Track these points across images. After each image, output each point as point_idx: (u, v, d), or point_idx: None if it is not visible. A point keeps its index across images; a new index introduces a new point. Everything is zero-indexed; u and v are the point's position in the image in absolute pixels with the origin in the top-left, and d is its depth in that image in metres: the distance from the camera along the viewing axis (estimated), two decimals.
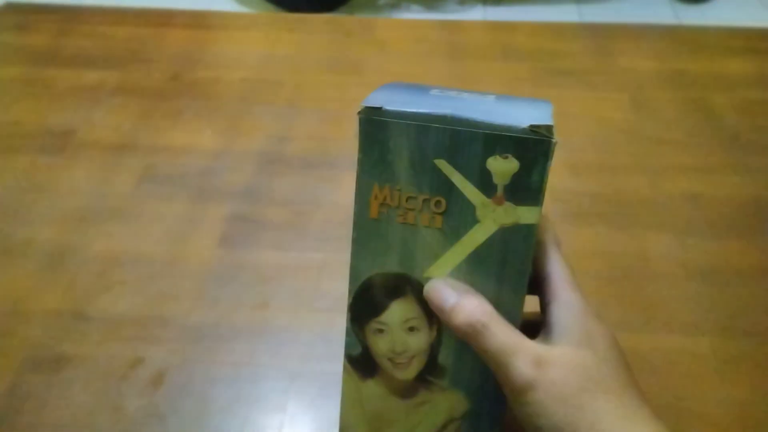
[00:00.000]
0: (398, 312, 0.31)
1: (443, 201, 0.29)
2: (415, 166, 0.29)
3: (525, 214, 0.29)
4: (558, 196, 0.64)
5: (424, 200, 0.29)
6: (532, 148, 0.27)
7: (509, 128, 0.27)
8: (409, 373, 0.32)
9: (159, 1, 1.22)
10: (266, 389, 0.50)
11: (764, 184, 0.66)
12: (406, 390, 0.33)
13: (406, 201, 0.29)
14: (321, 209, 0.64)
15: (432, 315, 0.31)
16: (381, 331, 0.32)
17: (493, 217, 0.29)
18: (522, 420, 0.28)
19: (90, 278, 0.57)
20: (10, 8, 0.95)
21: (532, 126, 0.27)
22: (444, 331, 0.31)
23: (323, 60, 0.84)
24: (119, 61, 0.83)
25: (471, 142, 0.28)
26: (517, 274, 0.30)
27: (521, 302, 0.30)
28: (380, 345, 0.32)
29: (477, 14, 2.13)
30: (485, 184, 0.28)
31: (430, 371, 0.32)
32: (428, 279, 0.30)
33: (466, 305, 0.29)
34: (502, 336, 0.28)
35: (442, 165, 0.29)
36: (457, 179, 0.29)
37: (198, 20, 0.91)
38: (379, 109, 0.28)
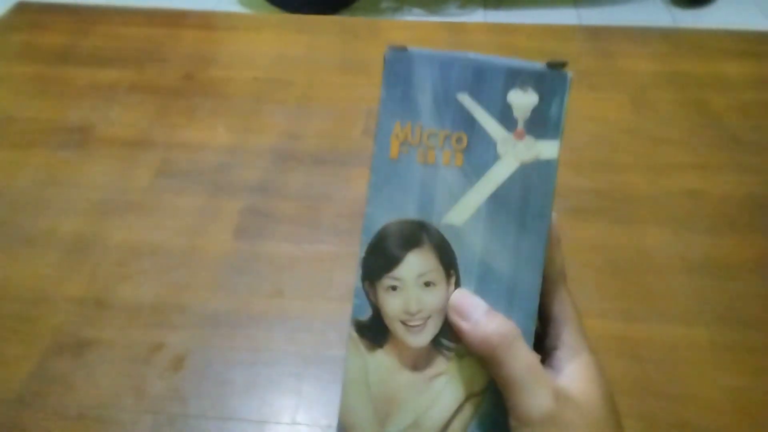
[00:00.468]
0: (414, 264, 0.30)
1: (464, 137, 0.30)
2: (438, 101, 0.30)
3: (545, 149, 0.30)
4: (561, 192, 0.66)
5: (446, 137, 0.30)
6: (551, 81, 0.30)
7: (529, 65, 0.30)
8: (424, 337, 0.30)
9: (166, 1, 1.25)
10: (282, 373, 0.52)
11: (760, 182, 0.68)
12: (418, 360, 0.31)
13: (428, 138, 0.30)
14: (332, 203, 0.66)
15: (450, 268, 0.30)
16: (394, 288, 0.30)
17: (514, 153, 0.30)
18: None
19: (111, 268, 0.59)
20: (22, 8, 0.97)
21: (549, 62, 0.30)
22: (463, 286, 0.31)
23: (333, 60, 0.86)
24: (134, 60, 0.85)
25: (493, 77, 0.30)
26: (538, 219, 0.30)
27: (543, 253, 0.30)
28: (393, 305, 0.30)
29: (477, 17, 2.15)
30: (506, 118, 0.30)
31: (446, 334, 0.30)
32: (447, 226, 0.30)
33: (497, 316, 0.29)
34: (528, 358, 0.28)
35: (465, 100, 0.30)
36: (479, 114, 0.30)
37: (210, 21, 0.94)
38: (405, 48, 0.30)
